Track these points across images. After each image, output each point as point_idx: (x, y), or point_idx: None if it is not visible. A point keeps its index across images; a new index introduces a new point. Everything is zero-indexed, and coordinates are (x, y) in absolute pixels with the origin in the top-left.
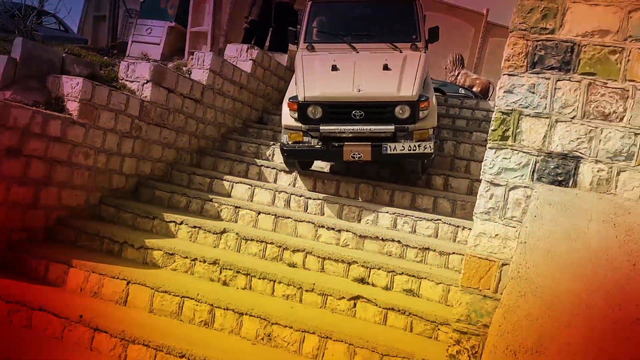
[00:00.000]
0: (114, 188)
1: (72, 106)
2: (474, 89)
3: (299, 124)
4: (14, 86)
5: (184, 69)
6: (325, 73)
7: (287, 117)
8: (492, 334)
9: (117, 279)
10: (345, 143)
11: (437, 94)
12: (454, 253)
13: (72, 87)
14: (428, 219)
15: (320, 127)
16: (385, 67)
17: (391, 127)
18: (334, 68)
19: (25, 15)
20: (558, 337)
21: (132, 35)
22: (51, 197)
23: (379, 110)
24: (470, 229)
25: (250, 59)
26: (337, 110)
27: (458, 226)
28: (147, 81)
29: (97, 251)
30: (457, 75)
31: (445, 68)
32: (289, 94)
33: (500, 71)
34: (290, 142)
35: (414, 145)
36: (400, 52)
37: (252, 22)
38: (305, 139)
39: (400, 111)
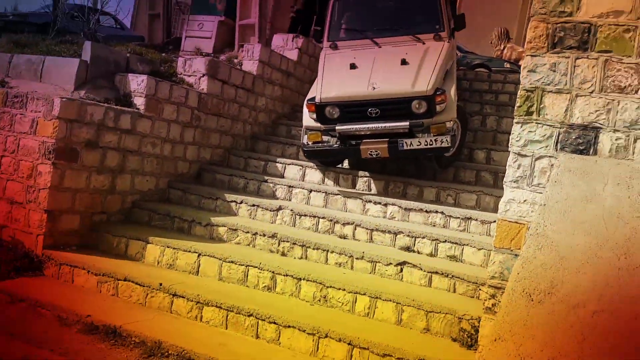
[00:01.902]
0: (179, 173)
1: (139, 101)
2: (520, 63)
3: (318, 124)
4: (87, 86)
5: (235, 61)
6: (343, 72)
7: (307, 118)
8: (511, 280)
9: (189, 252)
10: (363, 141)
11: (481, 69)
12: (494, 221)
13: (137, 83)
14: (470, 191)
15: (337, 127)
16: (404, 62)
17: (406, 124)
18: (352, 66)
19: (87, 17)
20: (568, 281)
21: (185, 31)
22: (125, 183)
23: (394, 106)
24: None
25: (296, 48)
26: (353, 109)
27: (499, 197)
28: (203, 75)
29: (169, 229)
30: (503, 49)
31: (491, 42)
32: (310, 94)
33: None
34: (310, 143)
35: (431, 140)
36: (423, 43)
37: (297, 12)
38: (325, 138)
39: (417, 106)
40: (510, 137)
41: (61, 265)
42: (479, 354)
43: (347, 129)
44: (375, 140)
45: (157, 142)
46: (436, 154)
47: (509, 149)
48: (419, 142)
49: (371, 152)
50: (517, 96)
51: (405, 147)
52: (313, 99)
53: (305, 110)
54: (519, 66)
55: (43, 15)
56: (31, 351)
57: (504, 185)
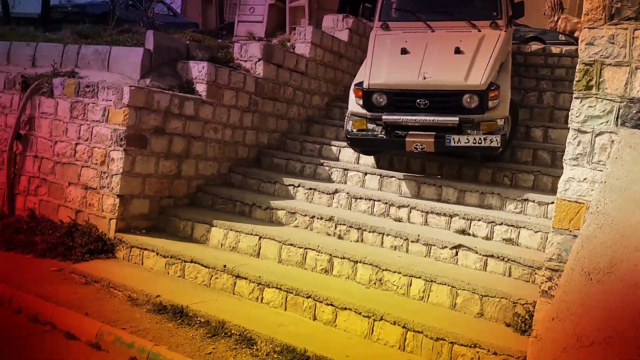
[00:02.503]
0: (239, 158)
1: (201, 87)
2: (576, 34)
3: (364, 111)
4: (151, 74)
5: (288, 44)
6: (394, 57)
7: (353, 103)
8: (570, 259)
9: (251, 235)
10: (409, 132)
11: (535, 42)
12: (552, 203)
13: (198, 70)
14: (527, 171)
15: (383, 116)
16: (457, 51)
17: (455, 119)
18: (404, 51)
19: (146, 7)
20: (628, 260)
21: (237, 15)
22: (190, 169)
23: (444, 99)
24: None
25: (346, 28)
26: (401, 98)
27: (557, 176)
28: (259, 59)
29: (231, 212)
30: (557, 21)
31: (544, 14)
32: (357, 78)
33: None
34: (354, 130)
35: (480, 139)
36: (479, 31)
37: None
38: (370, 126)
39: (468, 100)
40: (570, 112)
41: (132, 248)
42: (534, 333)
43: (394, 119)
44: (422, 133)
45: (218, 127)
46: (483, 153)
47: (569, 126)
48: (467, 139)
49: (416, 145)
50: (576, 70)
51: (452, 144)
52: (361, 83)
53: (351, 95)
54: (575, 38)
55: (100, 6)
56: (105, 329)
57: (563, 164)
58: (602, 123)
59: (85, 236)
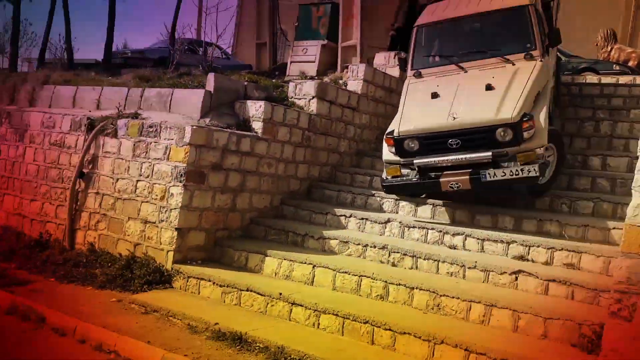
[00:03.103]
0: (291, 191)
1: (257, 125)
2: (630, 64)
3: (397, 158)
4: (211, 113)
5: (340, 81)
6: (424, 102)
7: (386, 152)
8: None
9: (305, 264)
10: (443, 173)
11: (588, 72)
12: (614, 228)
13: (255, 109)
14: (586, 198)
15: (414, 160)
16: (488, 87)
17: (488, 154)
18: (434, 95)
19: (204, 51)
20: None
21: (290, 56)
22: (244, 202)
23: (475, 136)
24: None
25: (397, 65)
26: (432, 141)
27: (618, 203)
28: (313, 97)
29: (284, 243)
30: (610, 51)
31: (596, 45)
32: (389, 128)
33: None
34: (389, 177)
35: (517, 170)
36: (513, 64)
37: (397, 30)
38: (404, 171)
39: (502, 134)
40: (639, 141)
41: (189, 278)
42: (604, 352)
43: (426, 162)
44: (457, 172)
45: (272, 162)
46: (526, 184)
47: (638, 153)
48: (503, 172)
49: (452, 184)
50: None
51: (488, 179)
52: (392, 132)
53: (384, 144)
54: (629, 67)
55: (158, 51)
56: (168, 356)
57: (632, 190)
58: None
59: (143, 268)
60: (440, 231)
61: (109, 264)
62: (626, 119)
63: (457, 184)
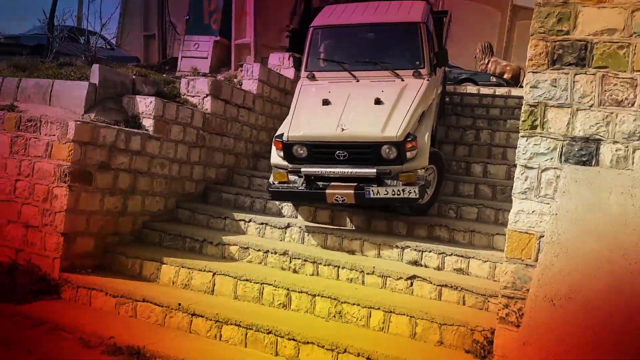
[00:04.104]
0: (187, 193)
1: (148, 122)
2: (505, 76)
3: (286, 163)
4: (96, 108)
5: (235, 80)
6: (315, 108)
7: (274, 155)
8: (532, 286)
9: (204, 272)
10: (330, 184)
11: (468, 82)
12: (497, 234)
13: (145, 105)
14: (471, 204)
15: (302, 169)
16: (377, 101)
17: (372, 170)
18: (325, 102)
19: (86, 40)
20: (586, 286)
21: (181, 51)
22: (136, 205)
23: (362, 151)
24: (509, 211)
25: (292, 66)
26: (320, 150)
27: (499, 209)
28: (207, 95)
29: (181, 249)
30: (487, 63)
31: (475, 57)
32: (279, 130)
33: (526, 70)
34: (276, 182)
35: (399, 190)
36: (402, 80)
37: (293, 31)
38: (292, 177)
39: (387, 152)
40: (517, 150)
41: (78, 288)
42: (496, 359)
43: (313, 171)
44: (342, 184)
45: (165, 162)
46: (406, 204)
47: (516, 162)
48: (385, 191)
49: (337, 197)
50: (521, 111)
51: (371, 196)
52: (281, 136)
53: (273, 146)
54: (504, 80)
55: (35, 38)
56: None
57: (512, 197)
58: (547, 160)
59: (27, 276)
60: (339, 236)
61: None
62: (503, 129)
63: (342, 197)
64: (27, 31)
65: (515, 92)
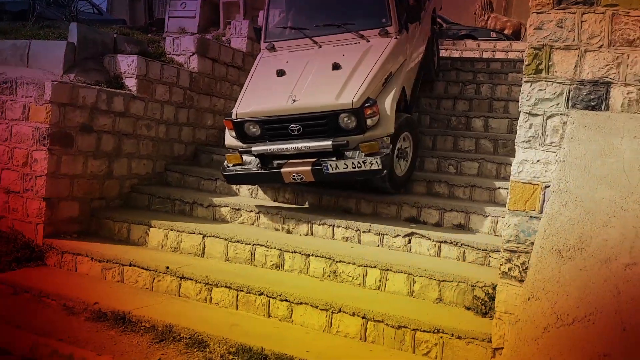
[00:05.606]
0: (176, 155)
1: (130, 82)
2: (505, 32)
3: (239, 143)
4: (75, 69)
5: (223, 38)
6: (268, 81)
7: (228, 136)
8: (538, 238)
9: (194, 234)
10: (287, 162)
11: (468, 39)
12: (499, 188)
13: (127, 64)
14: (471, 159)
15: (253, 147)
16: (336, 66)
17: (328, 143)
18: (280, 73)
19: (68, 2)
20: (597, 236)
21: (168, 11)
22: (123, 168)
23: (317, 122)
24: (512, 165)
25: None
26: (273, 126)
27: (501, 163)
28: (193, 53)
29: (170, 212)
30: (487, 20)
31: (474, 13)
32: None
33: (530, 11)
34: (229, 165)
35: (359, 162)
36: (367, 41)
37: None
38: (246, 159)
39: (346, 121)
40: (520, 96)
41: (63, 254)
42: (497, 314)
43: (265, 149)
44: (298, 161)
45: (151, 124)
46: (370, 177)
47: (519, 109)
48: (345, 164)
49: (294, 176)
50: (525, 54)
51: (330, 171)
52: (230, 114)
53: (226, 128)
54: (505, 35)
55: (18, 3)
56: (39, 340)
57: (515, 147)
58: (552, 106)
59: (10, 243)
60: (333, 195)
61: None
62: (504, 82)
63: (299, 175)
64: None
65: (516, 45)
